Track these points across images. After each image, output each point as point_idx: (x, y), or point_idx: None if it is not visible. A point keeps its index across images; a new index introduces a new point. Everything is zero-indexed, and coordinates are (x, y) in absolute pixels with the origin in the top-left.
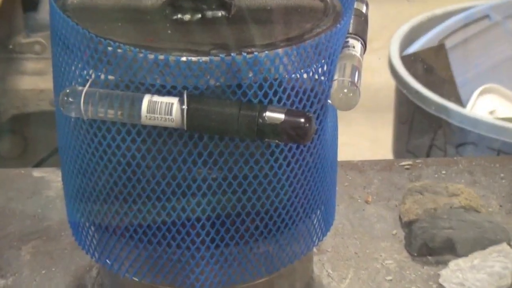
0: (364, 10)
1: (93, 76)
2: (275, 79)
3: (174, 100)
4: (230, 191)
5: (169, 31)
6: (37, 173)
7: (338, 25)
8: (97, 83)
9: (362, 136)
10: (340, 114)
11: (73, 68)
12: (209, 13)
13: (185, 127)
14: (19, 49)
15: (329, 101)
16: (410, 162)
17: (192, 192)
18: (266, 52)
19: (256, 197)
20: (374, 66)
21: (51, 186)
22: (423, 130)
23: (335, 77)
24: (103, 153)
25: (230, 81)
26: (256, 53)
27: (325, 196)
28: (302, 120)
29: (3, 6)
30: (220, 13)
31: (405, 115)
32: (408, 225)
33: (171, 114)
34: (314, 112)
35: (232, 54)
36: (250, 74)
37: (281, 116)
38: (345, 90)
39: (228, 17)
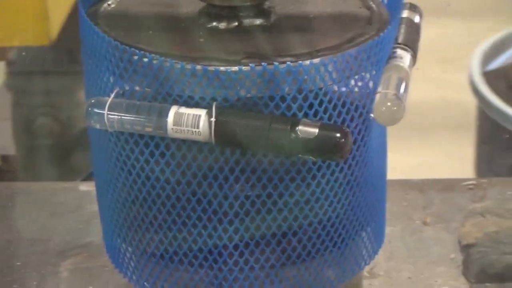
0: (416, 20)
1: (118, 86)
2: (311, 91)
3: (202, 112)
4: (265, 210)
5: (202, 40)
6: (83, 187)
7: (382, 35)
8: (131, 95)
9: (445, 155)
10: (422, 131)
11: (101, 78)
12: (247, 21)
13: (213, 141)
14: None
15: (371, 115)
16: (473, 182)
17: (224, 211)
18: (300, 62)
19: (293, 217)
20: (463, 84)
21: (96, 201)
22: (506, 149)
23: (379, 89)
24: (131, 167)
25: (261, 93)
26: (289, 62)
27: (371, 215)
28: (338, 135)
29: (71, 18)
30: (258, 21)
31: (487, 133)
32: (466, 249)
33: (198, 127)
34: (355, 127)
35: (263, 63)
36: (283, 85)
37: (314, 131)
38: (389, 104)
39: (266, 25)
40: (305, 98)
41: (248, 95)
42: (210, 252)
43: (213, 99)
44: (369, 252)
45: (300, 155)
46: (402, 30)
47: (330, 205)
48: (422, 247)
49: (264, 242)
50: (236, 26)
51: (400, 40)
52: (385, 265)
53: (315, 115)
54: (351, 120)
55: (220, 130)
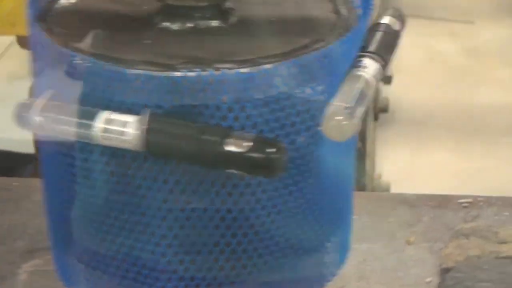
0: (396, 27)
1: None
2: (248, 101)
3: (132, 119)
4: (201, 225)
5: (148, 42)
6: None
7: (338, 42)
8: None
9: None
10: (488, 138)
11: (41, 78)
12: (202, 23)
13: (142, 150)
14: None
15: (320, 128)
16: (469, 200)
17: (158, 223)
18: (238, 69)
19: (231, 233)
20: None
21: None
22: None
23: (332, 101)
24: (64, 172)
25: (196, 101)
26: (224, 70)
27: (331, 229)
28: (271, 150)
29: None
30: (214, 23)
31: None
32: (443, 273)
33: (127, 135)
34: (302, 141)
35: (197, 70)
36: (218, 94)
37: (245, 145)
38: (338, 118)
39: (222, 27)
40: (242, 109)
41: (182, 103)
42: (143, 265)
43: (146, 105)
44: (332, 266)
45: (231, 170)
46: (377, 38)
47: (273, 222)
48: (400, 268)
49: (201, 258)
50: (190, 28)
51: (370, 48)
52: (355, 285)
53: (254, 127)
54: (297, 133)
55: (150, 138)
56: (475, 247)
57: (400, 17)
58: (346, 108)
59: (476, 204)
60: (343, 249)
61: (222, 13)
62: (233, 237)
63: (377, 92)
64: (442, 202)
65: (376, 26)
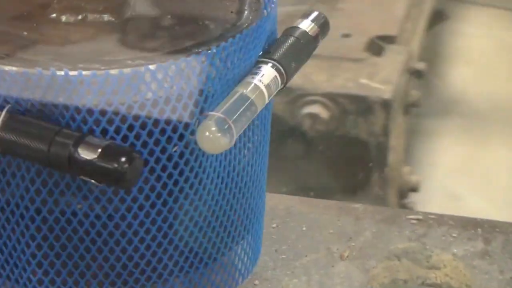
0: (313, 33)
1: None
2: (110, 105)
3: None
4: (58, 228)
5: (28, 33)
6: None
7: (220, 46)
8: None
9: None
10: None
11: None
12: (93, 16)
13: None
14: None
15: (193, 138)
16: (420, 217)
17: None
18: (95, 71)
19: (102, 240)
20: None
21: None
22: None
23: (211, 110)
24: None
25: (55, 101)
26: (81, 70)
27: (238, 233)
28: (121, 159)
29: None
30: (105, 18)
31: None
32: None
33: None
34: (175, 150)
35: (52, 69)
36: (77, 95)
37: (95, 151)
38: (213, 129)
39: (114, 23)
40: (103, 113)
41: (42, 101)
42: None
43: (6, 101)
44: (242, 269)
45: (82, 177)
46: (284, 43)
47: (148, 233)
48: (324, 285)
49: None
50: (79, 21)
51: (273, 54)
52: None
53: (117, 132)
54: (169, 141)
55: (3, 136)
56: (404, 270)
57: (321, 23)
58: (222, 120)
59: (425, 222)
60: (253, 256)
61: (117, 8)
62: (99, 249)
63: (407, 85)
64: (389, 217)
65: (289, 30)
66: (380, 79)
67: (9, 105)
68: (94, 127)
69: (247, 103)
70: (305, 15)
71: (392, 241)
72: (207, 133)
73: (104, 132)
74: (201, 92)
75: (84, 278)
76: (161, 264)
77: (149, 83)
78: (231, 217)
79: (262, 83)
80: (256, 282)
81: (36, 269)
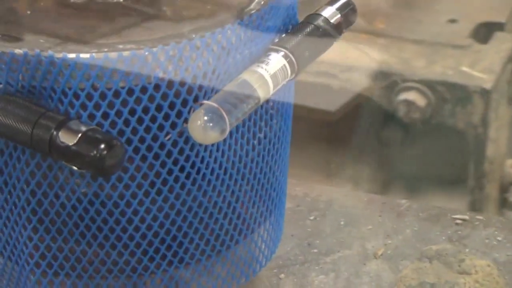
0: (335, 21)
1: None
2: (96, 89)
3: None
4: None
5: (35, 13)
6: None
7: (218, 30)
8: None
9: None
10: None
11: None
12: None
13: None
14: None
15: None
16: (465, 217)
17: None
18: (80, 54)
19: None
20: None
21: None
22: None
23: (205, 99)
24: None
25: (44, 83)
26: (66, 53)
27: (258, 217)
28: (100, 146)
29: None
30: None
31: None
32: None
33: None
34: (168, 138)
35: (37, 50)
36: (62, 78)
37: (75, 136)
38: (204, 118)
39: (121, 4)
40: (89, 97)
41: (31, 83)
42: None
43: None
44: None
45: (64, 162)
46: (301, 31)
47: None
48: (350, 284)
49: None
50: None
51: (286, 42)
52: None
53: (105, 117)
54: (160, 129)
55: None
56: (434, 274)
57: (346, 12)
58: (215, 110)
59: (471, 223)
60: (275, 236)
61: None
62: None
63: None
64: (434, 215)
65: (310, 17)
66: (482, 67)
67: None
68: (82, 112)
69: (247, 93)
70: (332, 1)
71: (432, 241)
72: (198, 123)
73: (92, 117)
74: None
75: (81, 264)
76: (182, 248)
77: (142, 68)
78: (252, 198)
79: (268, 72)
80: (282, 275)
81: (33, 252)
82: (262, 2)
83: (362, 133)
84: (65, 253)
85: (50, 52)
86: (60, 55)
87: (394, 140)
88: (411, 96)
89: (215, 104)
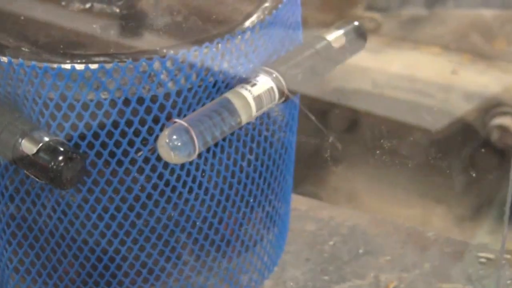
0: (337, 45)
1: None
2: (64, 100)
3: None
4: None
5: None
6: None
7: (207, 46)
8: None
9: None
10: None
11: None
12: (100, 6)
13: None
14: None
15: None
16: (491, 256)
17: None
18: (48, 64)
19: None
20: None
21: None
22: None
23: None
24: None
25: (17, 90)
26: (35, 62)
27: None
28: (58, 158)
29: None
30: (110, 8)
31: None
32: None
33: None
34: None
35: (20, 59)
36: (37, 88)
37: (34, 147)
38: (174, 137)
39: (117, 13)
40: (58, 107)
41: (7, 90)
42: None
43: None
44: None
45: (26, 171)
46: (297, 53)
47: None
48: None
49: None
50: (87, 10)
51: (278, 63)
52: None
53: (74, 129)
54: (131, 145)
55: None
56: None
57: (353, 37)
58: (183, 130)
59: (496, 261)
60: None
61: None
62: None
63: None
64: (459, 251)
65: (312, 38)
66: None
67: None
68: (51, 122)
69: (226, 114)
70: (341, 24)
71: (450, 279)
72: (166, 141)
73: (61, 128)
74: (179, 92)
75: (57, 272)
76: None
77: (106, 82)
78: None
79: (252, 94)
80: None
81: (12, 256)
82: (256, 21)
83: (455, 156)
84: (42, 261)
85: (20, 60)
86: (29, 64)
87: (486, 165)
88: (506, 121)
89: (185, 124)
